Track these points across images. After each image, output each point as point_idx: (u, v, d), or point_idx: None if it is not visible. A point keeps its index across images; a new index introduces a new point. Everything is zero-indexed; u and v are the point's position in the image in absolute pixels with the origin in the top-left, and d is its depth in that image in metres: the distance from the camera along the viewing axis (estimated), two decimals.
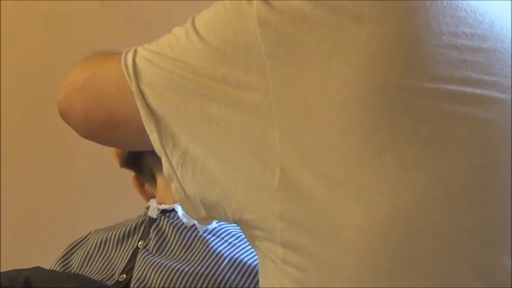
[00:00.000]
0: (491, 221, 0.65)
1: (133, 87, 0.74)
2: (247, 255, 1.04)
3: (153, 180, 1.19)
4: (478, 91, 0.66)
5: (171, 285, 0.98)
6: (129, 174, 1.24)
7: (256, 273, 1.00)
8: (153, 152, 0.75)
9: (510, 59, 0.68)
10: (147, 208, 1.14)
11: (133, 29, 1.80)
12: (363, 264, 0.64)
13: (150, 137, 0.73)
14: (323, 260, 0.66)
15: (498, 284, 0.65)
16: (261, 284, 0.75)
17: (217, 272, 1.00)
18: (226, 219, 0.73)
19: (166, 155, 0.73)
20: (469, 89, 0.65)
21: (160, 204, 1.13)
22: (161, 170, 0.75)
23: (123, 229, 1.12)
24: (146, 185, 1.23)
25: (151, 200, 1.15)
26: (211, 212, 0.74)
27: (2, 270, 0.99)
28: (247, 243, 1.03)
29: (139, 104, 0.73)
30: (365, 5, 0.65)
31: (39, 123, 1.83)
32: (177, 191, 0.74)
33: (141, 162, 1.19)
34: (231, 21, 0.69)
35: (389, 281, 0.64)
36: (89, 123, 0.81)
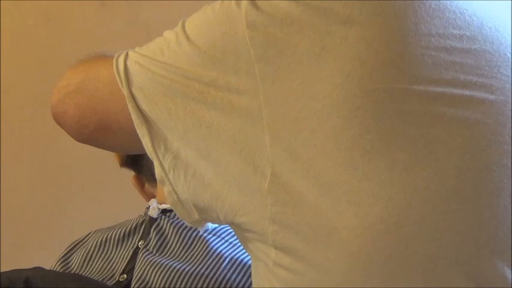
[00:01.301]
0: (483, 222, 0.65)
1: (125, 91, 0.74)
2: (247, 255, 1.03)
3: (153, 180, 1.18)
4: (467, 93, 0.65)
5: (172, 285, 0.98)
6: (129, 174, 1.23)
7: None
8: None
9: (499, 60, 0.67)
10: (148, 208, 1.14)
11: (133, 29, 1.80)
12: (354, 267, 0.64)
13: (142, 141, 0.73)
14: (315, 263, 0.66)
15: (490, 286, 0.65)
16: (253, 285, 0.75)
17: (218, 272, 1.00)
18: (219, 222, 0.74)
19: (158, 159, 0.73)
20: (458, 91, 0.65)
21: (161, 204, 1.12)
22: None
23: (124, 229, 1.12)
24: (146, 185, 1.23)
25: (151, 200, 1.15)
26: (204, 214, 0.74)
27: (2, 270, 0.99)
28: None
29: (130, 107, 0.73)
30: (354, 7, 0.65)
31: (39, 123, 1.82)
32: (170, 194, 0.74)
33: (140, 162, 1.19)
34: (220, 25, 0.68)
35: (381, 284, 0.64)
36: (82, 127, 0.81)
